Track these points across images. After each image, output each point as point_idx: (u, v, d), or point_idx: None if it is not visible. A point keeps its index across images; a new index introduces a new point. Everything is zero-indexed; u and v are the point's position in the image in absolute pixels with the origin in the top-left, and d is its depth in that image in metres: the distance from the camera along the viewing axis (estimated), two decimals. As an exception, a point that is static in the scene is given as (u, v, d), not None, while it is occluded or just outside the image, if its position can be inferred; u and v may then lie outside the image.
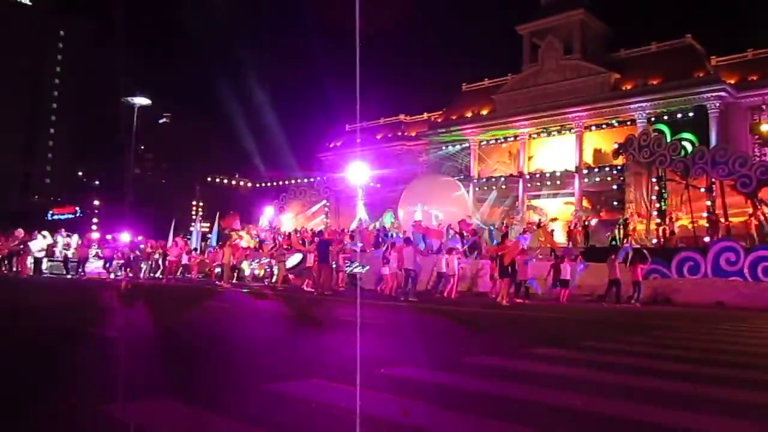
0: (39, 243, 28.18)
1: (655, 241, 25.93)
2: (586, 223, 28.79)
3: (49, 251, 28.90)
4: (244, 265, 27.52)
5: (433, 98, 51.42)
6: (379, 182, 40.47)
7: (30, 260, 27.59)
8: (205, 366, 6.61)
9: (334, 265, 21.89)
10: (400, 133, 45.02)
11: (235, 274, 25.93)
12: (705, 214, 25.63)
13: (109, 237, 36.65)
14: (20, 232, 28.08)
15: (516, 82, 39.02)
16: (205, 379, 5.81)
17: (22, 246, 28.00)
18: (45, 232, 29.76)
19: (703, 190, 25.93)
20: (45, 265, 28.87)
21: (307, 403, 4.74)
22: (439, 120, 42.62)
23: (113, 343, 7.78)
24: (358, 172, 32.84)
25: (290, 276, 23.26)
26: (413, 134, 44.34)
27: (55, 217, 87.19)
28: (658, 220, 26.57)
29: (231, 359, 7.05)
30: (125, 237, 28.39)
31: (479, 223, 30.69)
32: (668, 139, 27.56)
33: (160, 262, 28.79)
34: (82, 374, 5.97)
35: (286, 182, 45.97)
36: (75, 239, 29.96)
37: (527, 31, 38.77)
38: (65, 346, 7.65)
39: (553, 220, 29.28)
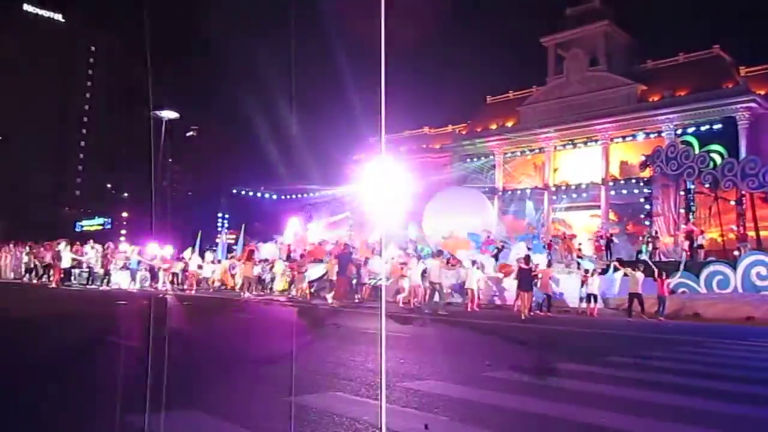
0: (67, 254, 28.65)
1: (683, 256, 25.52)
2: (611, 235, 28.36)
3: (78, 262, 29.34)
4: (267, 276, 27.71)
5: (457, 111, 51.27)
6: (403, 194, 40.45)
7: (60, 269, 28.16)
8: (229, 378, 6.67)
9: (354, 280, 22.00)
10: (424, 146, 45.04)
11: (256, 286, 26.05)
12: (734, 227, 25.20)
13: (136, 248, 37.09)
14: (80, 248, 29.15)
15: (541, 94, 38.86)
16: (228, 391, 5.87)
17: (51, 256, 28.58)
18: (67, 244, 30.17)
19: (732, 202, 25.51)
20: (74, 275, 29.27)
21: (330, 416, 4.77)
22: (464, 132, 42.57)
23: (138, 354, 7.88)
24: (381, 185, 32.75)
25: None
26: (437, 146, 44.34)
27: (84, 228, 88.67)
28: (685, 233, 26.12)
29: (254, 371, 7.10)
30: (151, 249, 28.63)
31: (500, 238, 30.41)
32: (696, 151, 27.17)
33: (181, 274, 29.07)
34: (108, 384, 6.06)
35: (311, 194, 46.19)
36: (89, 248, 30.12)
37: (552, 43, 38.62)
38: (91, 356, 7.77)
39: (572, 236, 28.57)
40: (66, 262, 27.87)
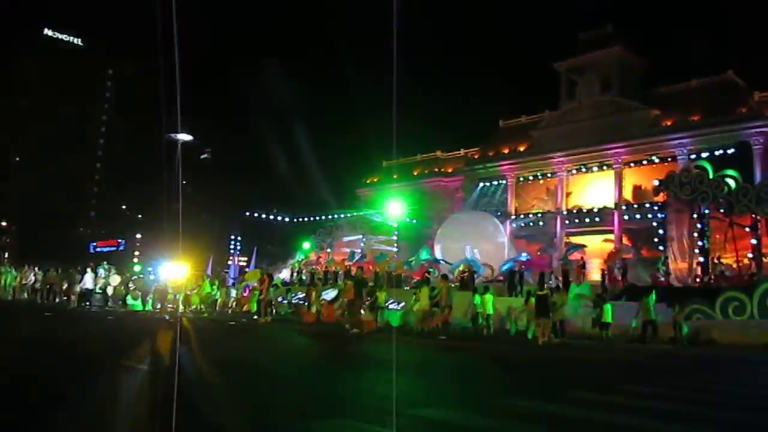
0: (90, 277, 28.90)
1: (698, 280, 25.25)
2: (624, 260, 28.10)
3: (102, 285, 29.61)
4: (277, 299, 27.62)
5: (469, 134, 51.45)
6: (414, 218, 40.49)
7: (76, 292, 28.49)
8: (240, 403, 6.64)
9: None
10: (436, 170, 45.06)
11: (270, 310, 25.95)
12: (750, 255, 24.91)
13: (149, 269, 37.32)
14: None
15: (553, 119, 38.87)
16: (239, 417, 5.83)
17: (67, 279, 28.87)
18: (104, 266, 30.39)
19: (747, 228, 25.26)
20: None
21: (337, 445, 4.73)
22: (476, 156, 42.59)
23: (150, 378, 7.88)
24: (394, 209, 32.90)
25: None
26: (450, 170, 44.38)
27: (98, 249, 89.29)
28: (701, 259, 25.85)
29: (264, 397, 7.07)
30: (164, 270, 28.78)
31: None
32: (710, 176, 27.02)
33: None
34: (116, 408, 6.05)
35: (323, 217, 46.31)
36: (103, 270, 30.25)
37: (564, 67, 38.69)
38: (98, 378, 7.76)
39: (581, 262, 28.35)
40: (89, 284, 28.24)
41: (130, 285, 29.54)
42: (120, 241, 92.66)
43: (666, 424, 5.95)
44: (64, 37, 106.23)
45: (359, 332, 18.32)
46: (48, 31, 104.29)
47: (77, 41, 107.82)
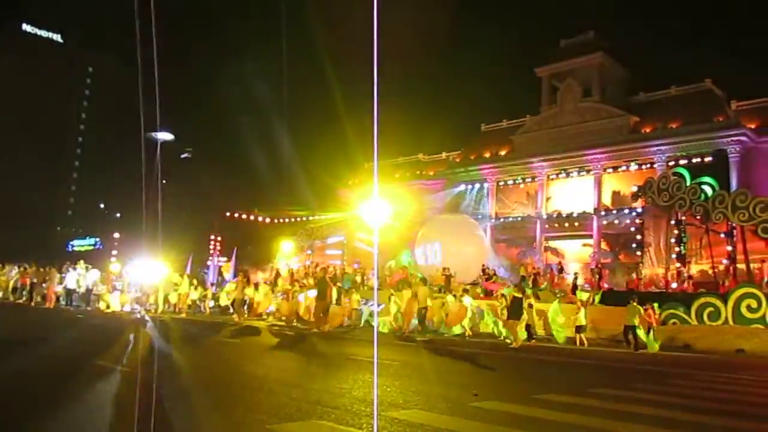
0: (73, 275, 28.53)
1: (675, 285, 25.57)
2: (601, 266, 28.42)
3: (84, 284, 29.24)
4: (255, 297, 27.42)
5: (451, 138, 51.47)
6: (396, 220, 40.48)
7: (60, 291, 28.18)
8: (214, 405, 6.60)
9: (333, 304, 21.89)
10: (418, 172, 45.15)
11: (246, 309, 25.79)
12: (725, 261, 25.27)
13: (127, 269, 36.84)
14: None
15: (534, 124, 39.15)
16: (212, 420, 5.80)
17: (47, 278, 28.44)
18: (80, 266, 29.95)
19: (723, 235, 25.61)
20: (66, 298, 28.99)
21: (312, 446, 4.72)
22: (458, 159, 42.75)
23: (122, 380, 7.81)
24: (375, 211, 32.70)
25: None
26: (431, 173, 44.47)
27: (75, 248, 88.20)
28: (677, 264, 26.19)
29: (240, 399, 7.03)
30: (141, 270, 28.44)
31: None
32: (688, 183, 27.37)
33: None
34: (92, 411, 5.99)
35: (304, 218, 46.11)
36: (82, 269, 29.88)
37: (546, 73, 38.98)
38: (77, 379, 7.68)
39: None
40: (71, 283, 27.91)
41: (117, 284, 29.27)
42: (98, 240, 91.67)
43: (635, 425, 6.01)
44: (43, 33, 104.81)
45: (326, 331, 18.58)
46: (26, 27, 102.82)
47: (56, 37, 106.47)
